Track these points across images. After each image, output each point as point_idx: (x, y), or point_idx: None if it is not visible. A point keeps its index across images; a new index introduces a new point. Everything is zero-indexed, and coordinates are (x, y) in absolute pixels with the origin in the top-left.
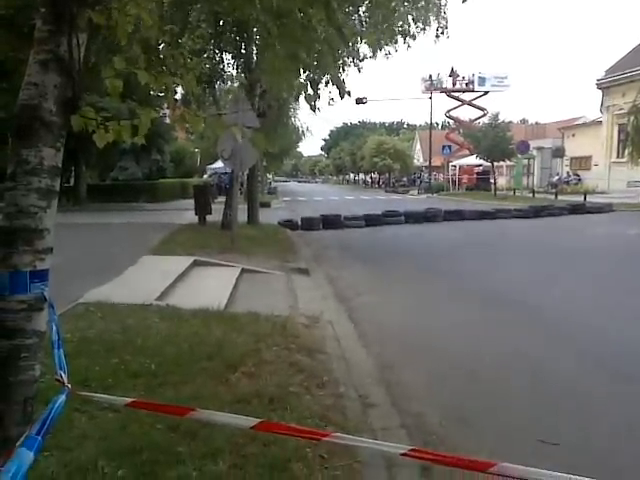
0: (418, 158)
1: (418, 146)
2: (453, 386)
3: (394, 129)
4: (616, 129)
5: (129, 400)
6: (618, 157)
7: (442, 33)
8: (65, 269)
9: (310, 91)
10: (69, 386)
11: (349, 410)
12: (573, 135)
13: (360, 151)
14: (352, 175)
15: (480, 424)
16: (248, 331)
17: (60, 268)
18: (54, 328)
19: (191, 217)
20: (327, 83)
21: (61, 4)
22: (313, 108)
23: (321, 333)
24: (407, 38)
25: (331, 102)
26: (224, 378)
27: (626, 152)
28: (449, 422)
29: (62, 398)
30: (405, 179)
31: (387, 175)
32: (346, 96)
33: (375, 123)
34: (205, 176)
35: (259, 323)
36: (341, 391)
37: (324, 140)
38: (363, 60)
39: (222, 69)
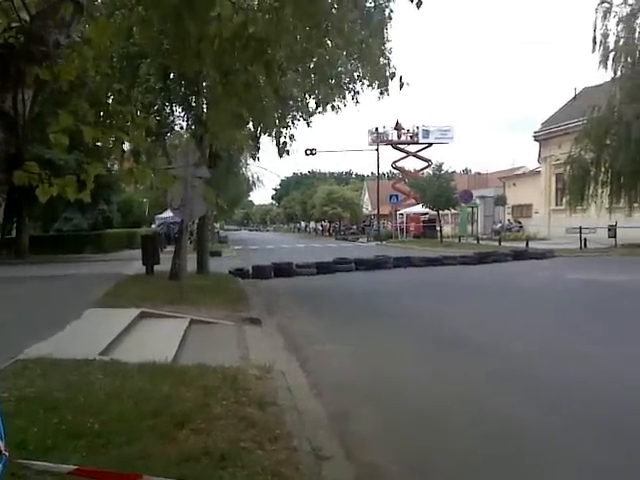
0: (367, 207)
1: (367, 195)
2: (408, 436)
3: (343, 179)
4: (554, 178)
5: (72, 468)
6: (557, 205)
7: (384, 92)
8: (5, 323)
9: (250, 144)
10: (7, 454)
11: (302, 464)
12: (514, 184)
13: (310, 200)
14: (303, 223)
15: (435, 471)
16: (197, 385)
17: None
18: None
19: (138, 267)
20: (276, 138)
21: (8, 61)
22: (253, 157)
23: (273, 384)
24: (354, 94)
25: (280, 156)
26: (172, 436)
27: (564, 200)
28: (404, 471)
29: None
30: (355, 227)
31: (337, 223)
32: (294, 149)
33: (325, 173)
34: (153, 226)
35: (208, 376)
36: (294, 444)
37: (275, 190)
38: (312, 115)
39: (172, 121)
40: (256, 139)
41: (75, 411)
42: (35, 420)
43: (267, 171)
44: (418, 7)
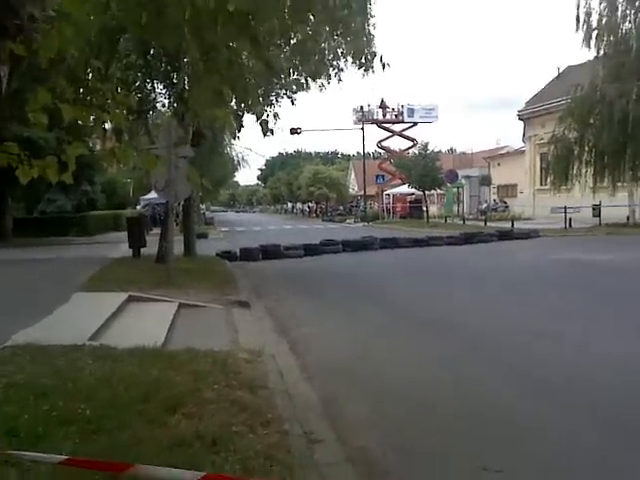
0: (353, 187)
1: (353, 175)
2: (397, 417)
3: (329, 159)
4: (538, 158)
5: (62, 458)
6: (542, 185)
7: (368, 69)
8: None
9: (233, 123)
10: None
11: (294, 447)
12: (499, 164)
13: (297, 181)
14: (290, 204)
15: (425, 454)
16: (187, 369)
17: None
18: None
19: (125, 250)
20: (257, 117)
21: None
22: (234, 136)
23: (263, 368)
24: (338, 71)
25: (265, 135)
26: (163, 421)
27: (548, 180)
28: (394, 453)
29: None
30: (341, 208)
31: (324, 204)
32: (279, 127)
33: (310, 153)
34: (139, 207)
35: (198, 360)
36: (285, 428)
37: (260, 170)
38: (296, 92)
39: (154, 99)
40: (239, 117)
41: (65, 397)
42: (25, 407)
43: (251, 151)
44: None
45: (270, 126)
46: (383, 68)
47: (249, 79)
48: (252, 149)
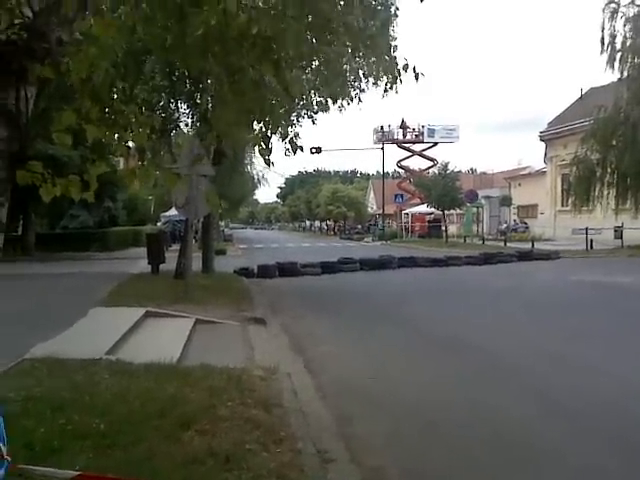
0: (372, 206)
1: (372, 194)
2: (412, 439)
3: (348, 178)
4: (559, 179)
5: (74, 474)
6: (563, 206)
7: (391, 88)
8: (10, 322)
9: (263, 145)
10: (9, 459)
11: (307, 467)
12: (519, 184)
13: (315, 199)
14: (308, 222)
15: (438, 476)
16: (202, 386)
17: (5, 321)
18: None
19: (144, 266)
20: (283, 137)
21: (10, 58)
22: (267, 162)
23: (278, 386)
24: (358, 92)
25: (287, 154)
26: (177, 437)
27: (569, 201)
28: (408, 477)
29: (0, 473)
30: (360, 226)
31: (342, 222)
32: (298, 147)
33: (330, 172)
34: (159, 224)
35: (213, 377)
36: (299, 447)
37: (280, 188)
38: (317, 113)
39: (177, 118)
40: (267, 139)
41: (81, 411)
42: (42, 420)
43: (271, 171)
44: (421, 0)
45: (296, 143)
46: (417, 78)
47: (273, 100)
48: (271, 169)
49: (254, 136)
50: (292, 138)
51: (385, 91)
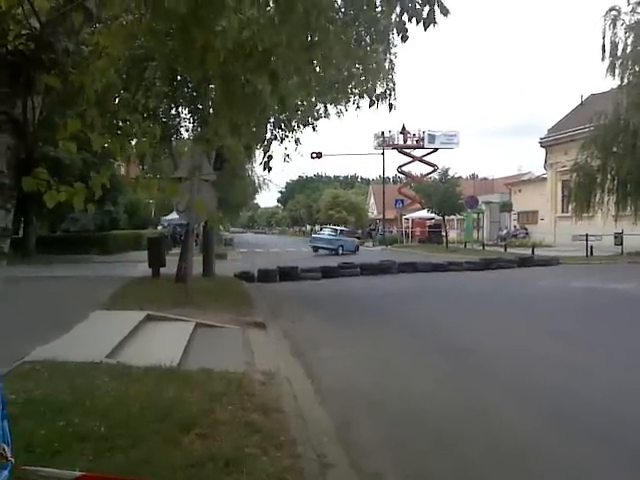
0: (372, 211)
1: (372, 199)
2: (412, 443)
3: (348, 183)
4: (560, 185)
5: (77, 474)
6: (563, 212)
7: (390, 95)
8: (11, 324)
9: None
10: (12, 460)
11: (307, 471)
12: (519, 190)
13: (316, 204)
14: (308, 227)
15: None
16: (202, 390)
17: (5, 323)
18: None
19: (144, 270)
20: (264, 151)
21: (18, 68)
22: (266, 168)
23: (278, 390)
24: (358, 98)
25: (263, 169)
26: (177, 440)
27: (570, 207)
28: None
29: (5, 474)
30: (360, 231)
31: (343, 227)
32: (298, 152)
33: (330, 177)
34: (160, 227)
35: (213, 381)
36: (299, 451)
37: (280, 192)
38: (317, 119)
39: (178, 123)
40: (249, 149)
41: (81, 414)
42: (42, 423)
43: (267, 180)
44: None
45: (290, 151)
46: (390, 109)
47: (263, 111)
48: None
49: (235, 142)
50: (269, 156)
51: (384, 98)
